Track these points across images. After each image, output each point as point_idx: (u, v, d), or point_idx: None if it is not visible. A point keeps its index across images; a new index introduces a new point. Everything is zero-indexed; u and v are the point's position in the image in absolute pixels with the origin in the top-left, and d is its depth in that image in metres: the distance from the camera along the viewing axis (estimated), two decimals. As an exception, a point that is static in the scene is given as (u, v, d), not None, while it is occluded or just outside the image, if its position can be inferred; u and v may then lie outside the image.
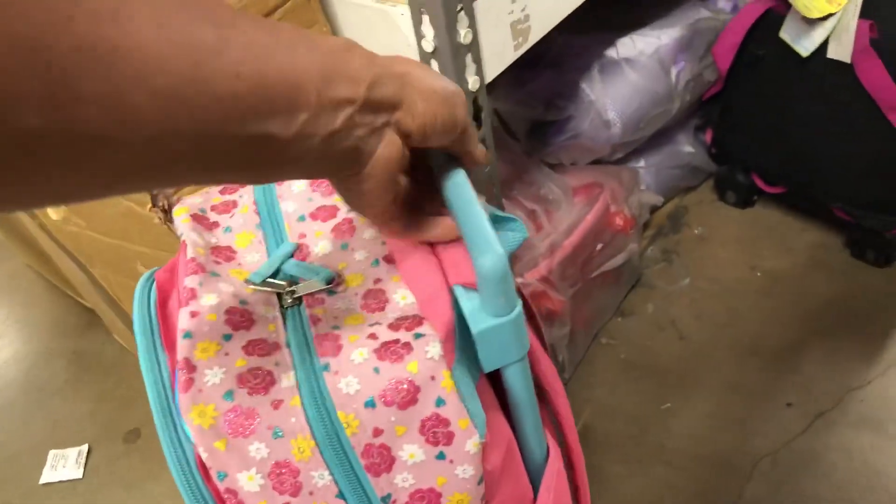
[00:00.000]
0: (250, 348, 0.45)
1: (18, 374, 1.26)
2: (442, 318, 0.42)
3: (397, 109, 0.37)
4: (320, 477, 0.42)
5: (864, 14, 0.88)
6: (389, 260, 0.47)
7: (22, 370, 1.26)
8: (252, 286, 0.48)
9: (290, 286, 0.48)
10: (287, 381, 0.43)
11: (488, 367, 0.42)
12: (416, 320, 0.42)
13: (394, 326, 0.43)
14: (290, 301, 0.47)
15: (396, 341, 0.42)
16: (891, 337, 0.96)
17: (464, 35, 0.67)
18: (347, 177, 0.38)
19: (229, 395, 0.43)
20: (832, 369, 0.94)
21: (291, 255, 0.51)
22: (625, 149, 1.03)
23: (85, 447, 1.09)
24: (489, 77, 0.71)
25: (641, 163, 1.09)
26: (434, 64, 0.69)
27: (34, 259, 1.35)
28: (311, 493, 0.42)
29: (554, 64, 0.97)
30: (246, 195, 0.55)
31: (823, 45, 0.92)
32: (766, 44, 0.98)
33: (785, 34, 0.95)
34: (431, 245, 0.47)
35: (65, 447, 1.10)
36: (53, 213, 0.79)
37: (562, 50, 0.98)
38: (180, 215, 0.54)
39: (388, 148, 0.37)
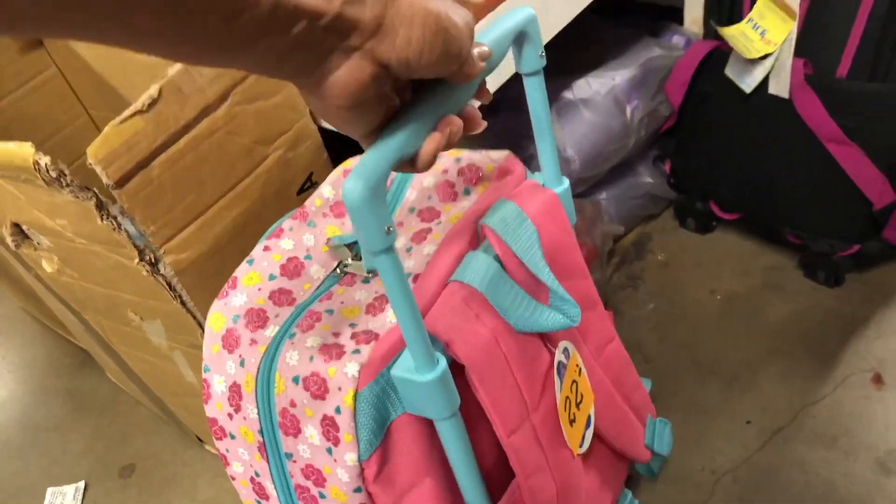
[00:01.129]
0: (275, 294, 0.57)
1: (15, 413, 1.30)
2: (386, 347, 0.48)
3: (373, 36, 0.32)
4: (251, 411, 0.52)
5: (798, 52, 0.95)
6: (415, 279, 0.54)
7: (18, 409, 1.31)
8: (328, 246, 0.59)
9: (353, 259, 0.57)
10: (270, 331, 0.53)
11: (409, 408, 0.48)
12: (369, 338, 0.49)
13: (354, 336, 0.51)
14: (337, 271, 0.57)
15: (340, 346, 0.49)
16: (841, 354, 1.02)
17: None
18: (303, 87, 0.35)
19: (236, 318, 0.55)
20: (788, 387, 1.00)
21: None
22: (586, 183, 1.09)
23: (82, 484, 1.14)
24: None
25: (603, 194, 1.15)
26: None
27: (28, 302, 1.40)
28: (244, 418, 0.53)
29: (515, 107, 1.03)
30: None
31: (765, 82, 0.99)
32: (713, 80, 1.05)
33: (729, 71, 1.02)
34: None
35: (62, 484, 1.14)
36: (47, 265, 0.84)
37: (521, 94, 1.03)
38: (348, 164, 0.65)
39: (352, 73, 0.33)
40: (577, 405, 0.57)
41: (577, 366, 0.58)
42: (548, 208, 0.57)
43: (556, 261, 0.54)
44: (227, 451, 0.56)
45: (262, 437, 0.52)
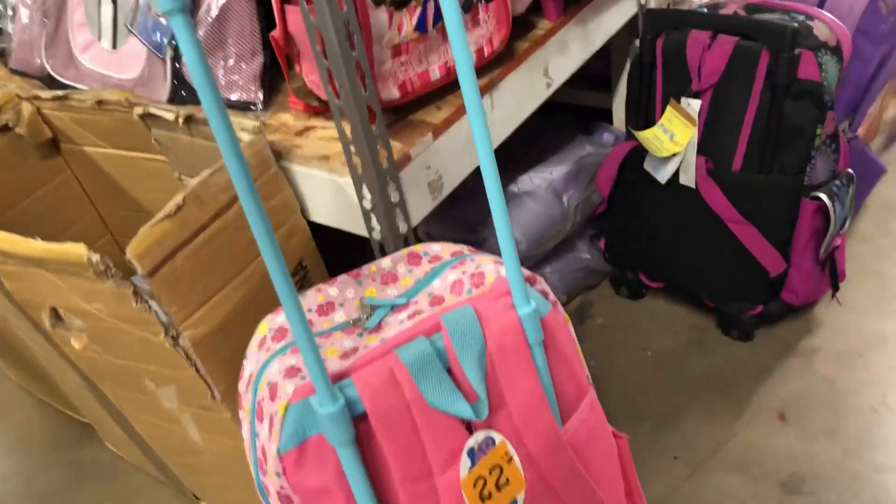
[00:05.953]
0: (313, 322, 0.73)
1: (18, 485, 1.41)
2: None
3: None
4: (249, 396, 0.69)
5: (701, 151, 1.16)
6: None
7: (21, 481, 1.42)
8: (359, 302, 0.74)
9: (365, 317, 0.73)
10: (278, 345, 0.68)
11: (321, 430, 0.63)
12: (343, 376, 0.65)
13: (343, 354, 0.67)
14: (350, 322, 0.72)
15: (299, 370, 0.65)
16: (752, 397, 1.20)
17: (393, 196, 0.91)
18: None
19: (271, 330, 0.72)
20: (708, 426, 1.17)
21: (392, 308, 0.74)
22: (532, 260, 1.28)
23: (87, 544, 1.25)
24: (415, 222, 0.95)
25: (548, 269, 1.33)
26: (372, 217, 0.92)
27: (27, 380, 1.52)
28: (247, 399, 0.70)
29: (470, 197, 1.22)
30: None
31: (676, 174, 1.20)
32: (635, 172, 1.25)
33: (647, 166, 1.23)
34: None
35: (68, 546, 1.26)
36: (76, 343, 0.99)
37: (474, 186, 1.23)
38: (416, 247, 0.80)
39: None
40: (498, 486, 0.66)
41: (506, 454, 0.66)
42: (506, 328, 0.65)
43: (503, 365, 0.64)
44: (242, 417, 0.72)
45: (250, 415, 0.68)
